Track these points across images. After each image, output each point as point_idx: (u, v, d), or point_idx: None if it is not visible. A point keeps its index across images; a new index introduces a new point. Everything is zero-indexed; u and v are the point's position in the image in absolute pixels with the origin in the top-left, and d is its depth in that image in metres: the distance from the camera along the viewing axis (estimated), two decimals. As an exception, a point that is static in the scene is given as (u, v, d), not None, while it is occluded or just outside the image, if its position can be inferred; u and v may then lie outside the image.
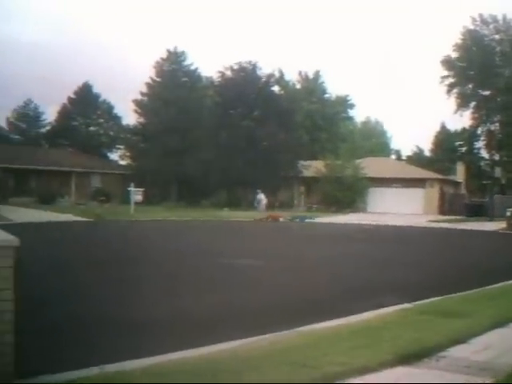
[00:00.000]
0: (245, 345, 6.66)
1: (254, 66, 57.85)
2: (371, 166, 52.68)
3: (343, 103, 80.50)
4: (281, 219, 37.63)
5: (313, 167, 54.09)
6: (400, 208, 49.31)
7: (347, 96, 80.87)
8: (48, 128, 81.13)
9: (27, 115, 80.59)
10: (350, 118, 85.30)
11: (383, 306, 9.23)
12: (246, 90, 55.43)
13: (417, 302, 9.65)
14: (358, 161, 54.13)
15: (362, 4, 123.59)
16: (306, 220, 38.29)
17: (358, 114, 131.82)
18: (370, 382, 5.53)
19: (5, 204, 40.91)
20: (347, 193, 51.42)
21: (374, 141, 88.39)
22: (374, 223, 35.54)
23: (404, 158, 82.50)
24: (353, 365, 5.81)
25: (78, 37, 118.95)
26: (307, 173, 54.99)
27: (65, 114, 78.62)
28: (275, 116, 53.72)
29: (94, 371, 5.49)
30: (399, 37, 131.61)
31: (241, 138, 52.30)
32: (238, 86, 55.31)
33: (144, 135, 63.24)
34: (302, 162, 55.67)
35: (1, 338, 4.54)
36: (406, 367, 6.01)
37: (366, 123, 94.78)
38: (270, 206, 49.28)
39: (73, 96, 78.96)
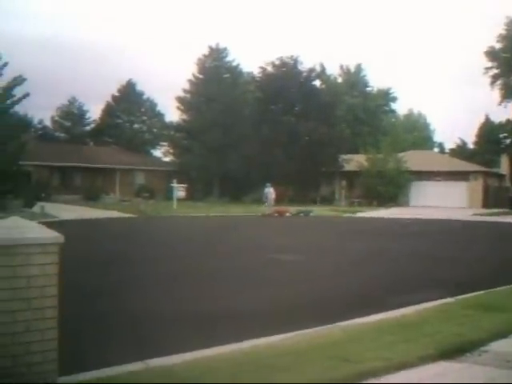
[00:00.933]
0: (288, 339, 6.84)
1: (296, 61, 57.95)
2: (414, 160, 52.37)
3: (385, 96, 79.93)
4: (287, 214, 37.01)
5: (354, 161, 53.90)
6: (443, 202, 48.89)
7: (389, 89, 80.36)
8: (92, 126, 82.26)
9: (72, 113, 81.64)
10: (393, 111, 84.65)
11: (425, 301, 9.27)
12: (287, 85, 55.52)
13: (459, 297, 9.68)
14: (400, 154, 53.79)
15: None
16: (311, 214, 37.62)
17: (401, 107, 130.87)
18: (412, 376, 5.63)
19: (50, 201, 41.80)
20: (389, 187, 51.21)
21: (417, 134, 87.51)
22: (418, 217, 35.24)
23: (447, 150, 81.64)
24: (394, 360, 5.91)
25: (121, 35, 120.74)
26: (349, 167, 54.87)
27: (109, 111, 79.66)
28: (316, 110, 53.72)
29: (137, 366, 5.73)
30: (442, 28, 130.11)
31: (282, 133, 52.45)
32: (279, 81, 55.44)
33: (187, 132, 63.76)
34: (344, 156, 55.54)
35: (44, 335, 4.61)
36: (448, 362, 6.10)
37: (409, 116, 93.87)
38: (295, 200, 49.33)
39: (117, 94, 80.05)
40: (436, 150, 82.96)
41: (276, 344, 6.65)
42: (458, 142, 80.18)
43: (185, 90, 65.21)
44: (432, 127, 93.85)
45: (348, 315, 8.13)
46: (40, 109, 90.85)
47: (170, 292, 10.70)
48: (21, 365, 4.45)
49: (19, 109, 29.92)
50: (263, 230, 26.57)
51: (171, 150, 72.03)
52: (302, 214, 37.17)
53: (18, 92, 26.83)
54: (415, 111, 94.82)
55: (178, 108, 65.83)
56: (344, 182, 56.06)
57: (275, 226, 28.69)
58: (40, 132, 73.29)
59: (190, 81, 64.78)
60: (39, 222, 5.08)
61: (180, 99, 65.18)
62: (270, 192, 38.97)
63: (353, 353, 6.14)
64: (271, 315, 8.68)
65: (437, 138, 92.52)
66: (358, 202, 51.38)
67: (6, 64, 26.20)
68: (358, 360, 5.88)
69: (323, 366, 5.73)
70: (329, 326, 7.53)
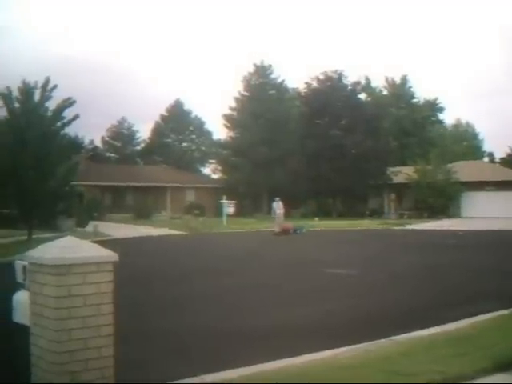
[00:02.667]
0: (341, 353, 6.87)
1: (340, 75, 57.97)
2: (464, 170, 51.70)
3: (432, 107, 79.02)
4: (298, 231, 33.06)
5: (403, 173, 53.50)
6: (495, 212, 47.87)
7: (436, 99, 79.48)
8: (142, 145, 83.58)
9: (122, 134, 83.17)
10: (440, 122, 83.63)
11: (480, 313, 9.15)
12: (332, 99, 55.55)
13: None
14: (449, 165, 53.23)
15: (449, 4, 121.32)
16: (304, 230, 33.66)
17: (448, 117, 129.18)
18: None
19: (103, 220, 42.48)
20: (440, 198, 50.59)
21: (466, 144, 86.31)
22: (470, 228, 34.64)
23: (498, 160, 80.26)
24: (448, 373, 5.84)
25: (168, 56, 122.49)
26: (397, 179, 54.46)
27: (158, 131, 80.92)
28: (362, 124, 53.55)
29: (193, 380, 5.82)
30: (490, 34, 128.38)
31: (328, 147, 52.38)
32: (324, 96, 55.50)
33: (234, 149, 64.30)
34: (392, 169, 55.19)
35: (100, 352, 4.69)
36: (504, 374, 5.99)
37: (457, 126, 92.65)
38: (343, 214, 48.97)
39: (165, 113, 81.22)
40: (486, 159, 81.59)
41: (330, 359, 6.66)
42: (509, 151, 78.77)
43: (231, 108, 65.79)
44: (481, 136, 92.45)
45: (401, 329, 8.10)
46: (90, 130, 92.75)
47: (237, 305, 10.98)
48: (78, 382, 4.54)
49: (70, 130, 30.52)
50: (313, 244, 26.53)
51: (219, 167, 72.76)
52: (297, 232, 33.12)
53: (68, 114, 27.42)
54: (463, 121, 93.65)
55: (225, 125, 66.48)
56: (393, 195, 55.61)
57: (323, 240, 28.62)
58: (91, 153, 74.82)
59: (236, 98, 65.35)
60: (92, 241, 5.21)
61: (227, 117, 65.78)
62: (276, 207, 34.51)
63: (407, 366, 6.11)
64: (323, 329, 8.72)
65: (486, 147, 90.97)
66: (408, 214, 50.87)
67: (55, 86, 26.77)
68: (412, 374, 5.85)
69: (377, 380, 5.72)
70: (382, 340, 7.52)
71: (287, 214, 51.85)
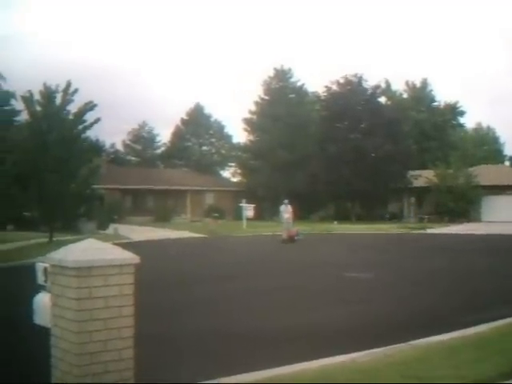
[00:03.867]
0: (360, 357, 6.88)
1: (360, 79, 57.80)
2: (484, 174, 51.30)
3: (453, 110, 78.52)
4: (296, 237, 29.54)
5: (423, 177, 53.20)
6: (517, 216, 47.55)
7: (457, 103, 78.99)
8: (162, 149, 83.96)
9: (142, 137, 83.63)
10: (461, 125, 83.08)
11: (498, 319, 9.14)
12: (352, 102, 55.42)
13: None
14: (470, 169, 52.89)
15: (472, 6, 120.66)
16: (301, 237, 30.00)
17: (469, 121, 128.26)
18: None
19: (123, 223, 42.74)
20: (460, 202, 50.25)
21: (487, 148, 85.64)
22: (491, 232, 34.36)
23: (518, 164, 79.58)
24: (467, 378, 5.83)
25: (188, 59, 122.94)
26: (417, 183, 54.18)
27: (178, 134, 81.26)
28: (382, 127, 53.32)
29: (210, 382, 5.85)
30: (507, 40, 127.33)
31: (349, 150, 52.23)
32: (344, 100, 55.39)
33: (254, 152, 64.42)
34: (412, 172, 54.90)
35: (120, 354, 4.69)
36: None
37: (478, 130, 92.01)
38: (362, 218, 48.78)
39: (185, 117, 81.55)
40: (507, 163, 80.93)
41: (349, 362, 6.68)
42: (530, 155, 78.03)
43: (251, 112, 65.93)
44: (502, 140, 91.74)
45: (420, 334, 8.07)
46: (111, 133, 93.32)
47: (257, 307, 11.08)
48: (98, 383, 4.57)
49: (91, 134, 30.82)
50: (331, 248, 26.47)
51: (239, 171, 72.94)
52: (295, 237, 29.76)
53: (90, 117, 27.64)
54: (484, 125, 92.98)
55: (245, 129, 66.67)
56: (413, 199, 55.34)
57: (341, 244, 28.51)
58: (112, 156, 75.25)
59: (256, 102, 65.50)
60: (113, 244, 5.24)
61: (247, 120, 65.99)
62: (287, 211, 31.07)
63: (426, 371, 6.10)
64: (343, 333, 8.73)
65: (507, 151, 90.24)
66: (428, 218, 50.57)
67: (76, 90, 26.99)
68: (430, 378, 5.84)
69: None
70: (401, 344, 7.51)
71: (305, 218, 52.08)
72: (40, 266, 5.06)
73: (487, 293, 12.86)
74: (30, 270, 5.53)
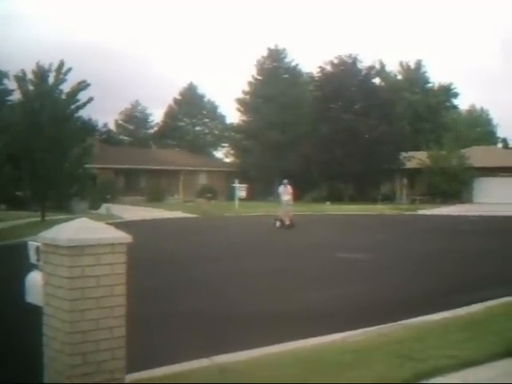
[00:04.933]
0: (353, 336, 6.91)
1: (355, 59, 57.59)
2: (477, 156, 51.34)
3: (446, 92, 78.44)
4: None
5: (416, 158, 53.21)
6: (508, 198, 47.56)
7: (451, 84, 78.89)
8: (155, 129, 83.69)
9: (135, 117, 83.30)
10: (454, 107, 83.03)
11: (490, 299, 9.18)
12: (346, 83, 55.24)
13: None
14: (463, 150, 52.92)
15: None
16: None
17: (463, 103, 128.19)
18: (479, 374, 5.57)
19: (116, 203, 42.69)
20: (452, 184, 50.34)
21: (480, 129, 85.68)
22: (484, 214, 34.40)
23: (511, 146, 79.67)
24: (461, 357, 5.86)
25: (181, 39, 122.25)
26: (410, 164, 54.19)
27: (171, 114, 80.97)
28: (376, 108, 53.27)
29: (201, 362, 5.86)
30: (503, 19, 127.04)
31: (342, 131, 52.13)
32: (338, 80, 55.22)
33: (247, 133, 64.31)
34: (405, 154, 54.89)
35: (112, 333, 4.68)
36: None
37: (471, 111, 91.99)
38: (355, 199, 48.84)
39: (178, 97, 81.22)
40: (500, 145, 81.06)
41: (341, 342, 6.70)
42: (523, 136, 78.11)
43: (244, 92, 65.73)
44: (495, 122, 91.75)
45: (412, 313, 8.13)
46: (104, 113, 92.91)
47: (251, 288, 11.11)
48: (90, 362, 4.57)
49: (84, 113, 30.65)
50: (324, 229, 26.49)
51: (232, 151, 72.89)
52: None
53: (82, 97, 27.52)
54: (477, 106, 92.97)
55: (238, 109, 66.49)
56: (405, 180, 55.41)
57: (334, 225, 28.57)
58: (104, 135, 74.92)
59: (249, 82, 65.28)
60: (105, 223, 5.23)
61: (240, 101, 65.79)
62: (287, 191, 27.62)
63: (419, 351, 6.13)
64: (336, 313, 8.79)
65: (500, 133, 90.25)
66: (421, 199, 50.68)
67: (69, 69, 26.87)
68: (423, 358, 5.87)
69: (388, 364, 5.74)
70: (393, 323, 7.54)
71: (298, 198, 51.95)
72: (32, 244, 5.05)
73: (478, 273, 12.94)
74: (23, 249, 5.52)
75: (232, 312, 8.90)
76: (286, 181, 28.38)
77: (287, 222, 25.91)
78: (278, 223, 26.02)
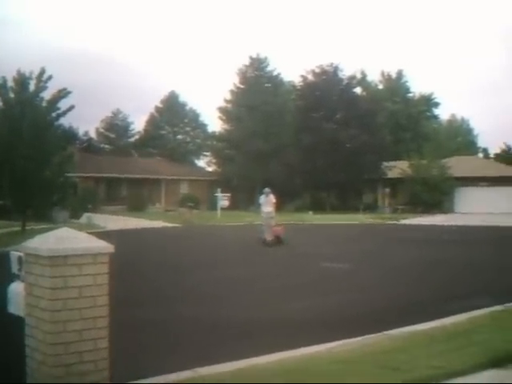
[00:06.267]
0: (337, 347, 6.90)
1: (336, 69, 57.84)
2: (458, 166, 51.70)
3: (427, 102, 78.99)
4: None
5: (397, 168, 53.50)
6: (489, 208, 47.85)
7: (431, 94, 79.46)
8: (136, 137, 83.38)
9: (116, 125, 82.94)
10: (435, 117, 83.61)
11: (475, 309, 9.22)
12: (327, 92, 55.43)
13: (508, 304, 9.57)
14: (443, 160, 53.22)
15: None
16: None
17: (443, 112, 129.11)
18: None
19: (97, 212, 42.44)
20: (433, 193, 50.57)
21: (460, 139, 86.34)
22: (464, 224, 34.65)
23: (492, 155, 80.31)
24: (445, 368, 5.85)
25: (163, 47, 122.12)
26: (392, 174, 54.46)
27: (153, 122, 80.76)
28: (358, 117, 53.50)
29: (185, 374, 5.82)
30: (484, 30, 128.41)
31: (324, 140, 52.28)
32: (320, 89, 55.46)
33: (229, 141, 64.27)
34: (386, 163, 55.20)
35: (95, 344, 4.65)
36: (499, 370, 6.00)
37: (452, 121, 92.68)
38: (337, 208, 48.98)
39: (160, 105, 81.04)
40: (480, 155, 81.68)
41: (326, 352, 6.68)
42: (503, 146, 78.79)
43: (226, 100, 65.74)
44: (475, 132, 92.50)
45: (397, 323, 8.14)
46: (85, 121, 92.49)
47: (230, 297, 11.05)
48: (73, 373, 4.51)
49: (64, 121, 30.45)
50: (307, 238, 26.50)
51: (214, 160, 72.79)
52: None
53: (63, 105, 27.36)
54: (458, 116, 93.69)
55: (220, 118, 66.49)
56: (387, 190, 55.63)
57: (317, 235, 28.60)
58: (85, 144, 74.42)
59: (231, 91, 65.29)
60: (87, 233, 5.18)
61: (222, 109, 65.79)
62: (269, 202, 24.02)
63: (403, 361, 6.12)
64: (320, 323, 8.76)
65: (481, 143, 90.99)
66: (402, 209, 50.88)
67: (50, 77, 26.67)
68: (408, 369, 5.85)
69: (373, 374, 5.73)
70: (378, 334, 7.55)
71: (280, 208, 51.92)
72: (14, 254, 4.99)
73: (460, 283, 13.00)
74: (4, 259, 5.45)
75: (211, 319, 8.84)
76: (267, 189, 24.97)
77: (268, 238, 22.43)
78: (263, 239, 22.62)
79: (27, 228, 26.00)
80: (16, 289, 4.97)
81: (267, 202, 24.01)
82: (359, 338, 7.30)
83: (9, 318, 5.11)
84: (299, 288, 12.34)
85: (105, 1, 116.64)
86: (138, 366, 6.38)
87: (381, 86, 79.00)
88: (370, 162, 53.56)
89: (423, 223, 37.31)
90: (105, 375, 4.73)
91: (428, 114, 80.00)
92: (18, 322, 4.89)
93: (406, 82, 78.32)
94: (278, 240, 22.55)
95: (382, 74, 79.29)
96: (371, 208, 53.11)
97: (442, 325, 8.16)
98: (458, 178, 50.98)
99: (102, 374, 4.72)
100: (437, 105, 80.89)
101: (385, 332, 7.63)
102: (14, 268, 5.00)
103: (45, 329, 4.51)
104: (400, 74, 78.38)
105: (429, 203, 50.23)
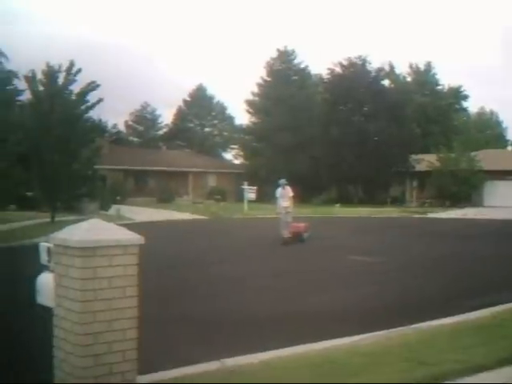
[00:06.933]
0: (363, 340, 6.90)
1: (364, 61, 57.45)
2: (487, 159, 51.06)
3: (456, 94, 78.18)
4: (305, 234, 20.98)
5: (426, 161, 53.04)
6: (518, 201, 47.33)
7: (460, 87, 78.61)
8: (165, 130, 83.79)
9: (145, 118, 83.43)
10: (464, 110, 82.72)
11: (500, 303, 9.16)
12: (355, 85, 55.06)
13: None
14: (472, 153, 52.70)
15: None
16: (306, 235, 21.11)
17: (472, 105, 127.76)
18: (489, 379, 5.55)
19: (125, 204, 42.69)
20: (462, 187, 50.08)
21: (489, 132, 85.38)
22: (494, 217, 34.15)
23: (521, 149, 79.37)
24: (471, 362, 5.83)
25: (191, 41, 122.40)
26: (420, 167, 54.01)
27: (180, 116, 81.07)
28: (386, 110, 53.10)
29: (213, 365, 5.87)
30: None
31: (351, 133, 52.08)
32: (347, 82, 55.09)
33: (256, 134, 64.28)
34: (414, 156, 54.73)
35: (124, 334, 4.70)
36: None
37: (481, 114, 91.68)
38: (364, 201, 48.66)
39: (188, 98, 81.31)
40: (510, 148, 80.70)
41: (351, 345, 6.69)
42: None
43: (254, 93, 65.73)
44: (505, 125, 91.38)
45: (422, 317, 8.10)
46: (114, 114, 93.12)
47: (263, 289, 11.07)
48: (102, 364, 4.58)
49: (93, 114, 30.65)
50: (334, 231, 26.39)
51: (241, 153, 72.84)
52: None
53: (92, 97, 27.55)
54: (487, 109, 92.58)
55: (248, 111, 66.47)
56: (415, 183, 55.22)
57: (344, 227, 28.47)
58: (114, 136, 74.94)
59: (258, 84, 65.23)
60: (116, 224, 5.22)
61: (249, 102, 65.77)
62: (285, 195, 21.76)
63: (428, 355, 6.10)
64: (346, 315, 8.76)
65: (510, 136, 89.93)
66: (430, 202, 50.45)
67: (79, 70, 26.88)
68: (433, 362, 5.83)
69: (398, 368, 5.72)
70: (403, 328, 7.52)
71: (307, 201, 51.82)
72: (44, 245, 5.04)
73: (489, 277, 12.88)
74: (33, 250, 5.51)
75: (236, 314, 8.90)
76: (283, 180, 22.31)
77: (285, 235, 20.33)
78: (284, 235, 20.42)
79: (56, 219, 26.27)
80: (45, 279, 5.02)
81: (284, 195, 21.71)
82: (385, 331, 7.30)
83: (37, 308, 5.17)
84: (327, 281, 12.36)
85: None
86: (171, 355, 6.42)
87: (409, 79, 78.30)
88: (398, 155, 53.14)
89: (451, 216, 36.93)
90: (133, 365, 4.77)
91: (457, 106, 79.16)
92: (46, 312, 4.95)
93: (435, 74, 77.56)
94: (298, 237, 20.53)
95: (411, 66, 78.61)
96: (399, 201, 52.80)
97: (467, 319, 8.12)
98: (486, 172, 50.37)
99: (131, 365, 4.76)
100: (466, 97, 80.00)
101: (410, 326, 7.61)
102: (44, 259, 5.05)
103: (74, 319, 4.56)
104: (428, 66, 77.59)
105: (457, 197, 49.72)
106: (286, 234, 20.42)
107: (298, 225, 21.27)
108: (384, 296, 10.61)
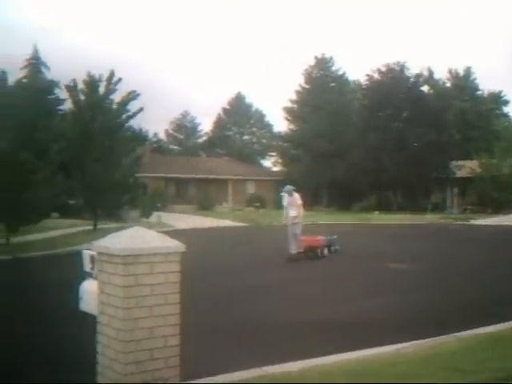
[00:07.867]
0: (404, 348, 6.87)
1: (402, 67, 57.04)
2: (529, 165, 50.25)
3: (497, 99, 77.10)
4: (324, 250, 18.35)
5: (466, 167, 52.41)
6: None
7: (501, 92, 77.50)
8: (204, 138, 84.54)
9: (184, 126, 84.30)
10: (505, 115, 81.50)
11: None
12: (394, 91, 54.71)
13: None
14: (515, 159, 51.85)
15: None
16: (337, 247, 19.20)
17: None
18: None
19: (166, 211, 43.03)
20: (505, 193, 49.31)
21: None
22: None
23: None
24: (511, 370, 5.75)
25: (228, 49, 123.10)
26: (460, 173, 53.38)
27: (220, 124, 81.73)
28: (425, 116, 52.57)
29: (254, 372, 5.91)
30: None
31: (390, 139, 51.73)
32: (386, 88, 54.75)
33: (295, 141, 64.36)
34: (455, 163, 54.12)
35: (166, 341, 4.73)
36: None
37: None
38: (404, 208, 48.19)
39: (227, 107, 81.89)
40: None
41: (391, 353, 6.66)
42: None
43: (292, 101, 65.80)
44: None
45: (466, 325, 8.05)
46: (154, 123, 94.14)
47: (306, 297, 11.12)
48: (144, 371, 4.61)
49: (134, 123, 31.02)
50: (373, 238, 26.21)
51: (280, 160, 72.97)
52: (331, 249, 18.89)
53: (133, 107, 27.87)
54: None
55: (286, 118, 66.60)
56: (456, 189, 54.55)
57: (383, 235, 28.25)
58: (155, 145, 75.76)
59: (297, 91, 65.33)
60: (157, 232, 5.28)
61: (287, 109, 65.89)
62: (293, 202, 18.87)
63: (469, 364, 6.03)
64: (387, 324, 8.76)
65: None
66: (471, 209, 49.71)
67: (119, 79, 27.23)
68: (473, 370, 5.77)
69: (438, 375, 5.67)
70: (445, 336, 7.45)
71: (346, 208, 51.50)
72: (87, 253, 5.12)
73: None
74: (76, 257, 5.60)
75: (281, 320, 8.90)
76: (289, 187, 19.44)
77: (294, 251, 17.52)
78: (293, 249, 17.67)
79: (98, 227, 26.61)
80: (88, 287, 5.10)
81: (292, 202, 18.79)
82: (427, 340, 7.24)
83: (80, 315, 5.26)
84: (367, 289, 12.27)
85: (170, 5, 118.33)
86: (212, 363, 6.47)
87: (448, 84, 77.42)
88: (438, 161, 52.56)
89: (494, 223, 36.33)
90: (175, 372, 4.80)
91: (498, 112, 78.03)
92: (89, 319, 5.03)
93: (475, 79, 76.62)
94: (311, 253, 17.78)
95: (450, 71, 77.75)
96: (439, 208, 52.12)
97: (510, 327, 8.01)
98: (530, 177, 49.44)
99: (173, 372, 4.79)
100: (506, 103, 78.83)
101: (453, 334, 7.54)
102: (87, 266, 5.13)
103: (117, 326, 4.62)
104: (468, 72, 76.67)
105: (499, 203, 48.91)
106: (293, 248, 17.57)
107: (313, 238, 18.53)
108: (427, 304, 10.53)
